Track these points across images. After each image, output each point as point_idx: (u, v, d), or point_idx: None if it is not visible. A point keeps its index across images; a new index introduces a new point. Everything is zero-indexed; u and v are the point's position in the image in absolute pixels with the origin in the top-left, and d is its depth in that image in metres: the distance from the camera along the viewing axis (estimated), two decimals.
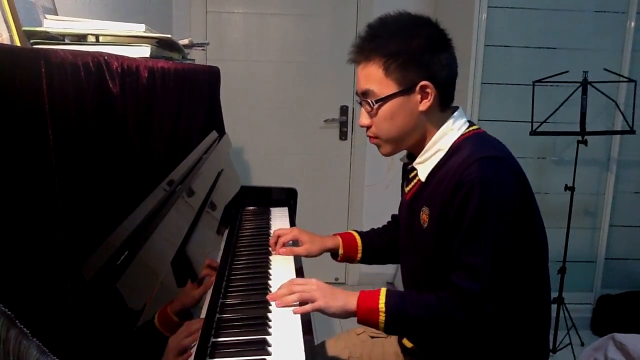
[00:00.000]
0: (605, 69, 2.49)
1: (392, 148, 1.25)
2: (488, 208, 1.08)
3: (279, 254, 1.50)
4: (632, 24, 2.63)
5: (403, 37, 1.16)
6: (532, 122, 2.43)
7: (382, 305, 1.14)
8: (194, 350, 0.96)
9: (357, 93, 1.24)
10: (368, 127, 1.24)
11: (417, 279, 1.32)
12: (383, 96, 1.17)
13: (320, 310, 1.17)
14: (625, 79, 2.52)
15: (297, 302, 1.18)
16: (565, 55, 2.64)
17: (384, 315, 1.13)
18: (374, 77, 1.17)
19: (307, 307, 1.16)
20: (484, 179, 1.08)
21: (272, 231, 1.72)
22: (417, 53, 1.15)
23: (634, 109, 2.43)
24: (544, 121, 2.39)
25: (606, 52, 2.66)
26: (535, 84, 2.43)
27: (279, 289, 1.22)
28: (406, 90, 1.16)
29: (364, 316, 1.16)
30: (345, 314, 1.17)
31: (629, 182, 2.82)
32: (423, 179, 1.23)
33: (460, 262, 1.11)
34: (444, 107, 1.22)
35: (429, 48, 1.16)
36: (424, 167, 1.23)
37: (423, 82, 1.16)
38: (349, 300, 1.17)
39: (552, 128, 2.45)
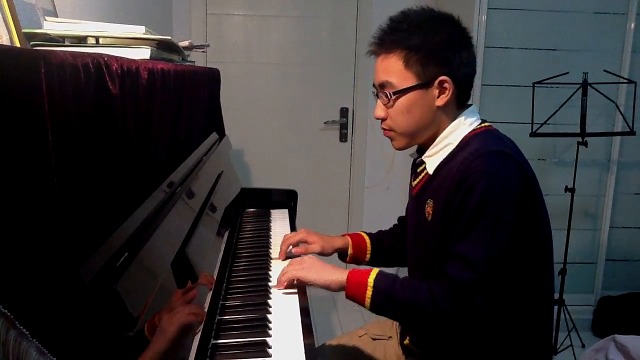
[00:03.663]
0: (605, 70, 2.50)
1: (405, 142, 1.25)
2: (489, 201, 1.08)
3: (295, 253, 1.46)
4: (632, 25, 2.63)
5: (425, 31, 1.16)
6: (532, 123, 2.43)
7: (371, 280, 1.15)
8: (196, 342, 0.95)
9: (373, 85, 1.25)
10: (383, 120, 1.24)
11: (424, 272, 1.31)
12: (401, 88, 1.18)
13: (301, 280, 1.23)
14: (625, 80, 2.52)
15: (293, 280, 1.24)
16: (565, 57, 2.64)
17: (371, 289, 1.14)
18: (394, 69, 1.18)
19: (287, 275, 1.24)
20: (489, 172, 1.08)
21: (272, 233, 1.72)
22: (438, 48, 1.16)
23: (634, 110, 2.43)
24: (544, 122, 2.39)
25: (606, 54, 2.66)
26: (535, 85, 2.43)
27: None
28: (425, 84, 1.17)
29: (352, 289, 1.16)
30: (332, 284, 1.19)
31: (629, 184, 2.82)
32: (431, 172, 1.23)
33: (455, 253, 1.11)
34: (460, 104, 1.23)
35: (450, 44, 1.17)
36: (432, 160, 1.23)
37: (442, 77, 1.16)
38: (340, 273, 1.19)
39: (552, 129, 2.45)
